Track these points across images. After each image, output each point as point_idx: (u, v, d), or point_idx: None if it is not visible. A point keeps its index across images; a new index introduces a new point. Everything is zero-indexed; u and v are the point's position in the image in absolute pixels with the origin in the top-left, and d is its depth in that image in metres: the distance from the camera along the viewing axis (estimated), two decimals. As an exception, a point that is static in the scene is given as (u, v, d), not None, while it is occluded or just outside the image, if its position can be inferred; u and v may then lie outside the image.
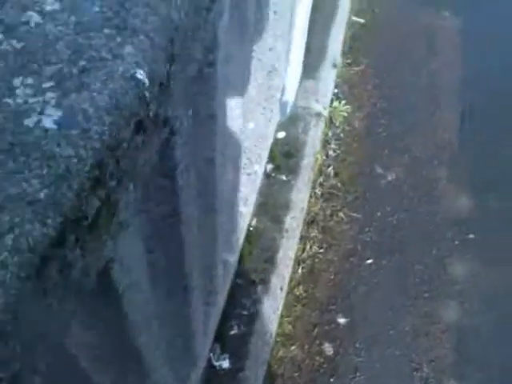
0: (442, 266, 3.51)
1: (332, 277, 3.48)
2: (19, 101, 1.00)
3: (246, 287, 3.16)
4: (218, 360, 2.94)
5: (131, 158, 1.14)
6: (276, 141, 3.37)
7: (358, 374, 3.17)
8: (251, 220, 3.27)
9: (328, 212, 3.55)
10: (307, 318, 3.38)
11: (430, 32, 4.25)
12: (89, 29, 1.10)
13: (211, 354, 2.93)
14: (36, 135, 0.96)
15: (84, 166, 0.97)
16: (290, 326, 3.32)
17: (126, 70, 1.06)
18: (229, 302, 3.09)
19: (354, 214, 3.56)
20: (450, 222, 3.57)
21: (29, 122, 0.97)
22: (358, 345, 3.29)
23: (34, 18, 1.10)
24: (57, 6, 1.12)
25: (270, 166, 3.38)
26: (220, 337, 3.01)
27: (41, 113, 0.99)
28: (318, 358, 3.27)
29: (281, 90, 3.10)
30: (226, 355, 2.96)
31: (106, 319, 1.45)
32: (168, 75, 1.21)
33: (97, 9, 1.13)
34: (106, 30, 1.10)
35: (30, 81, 1.02)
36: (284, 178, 3.36)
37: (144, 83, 1.08)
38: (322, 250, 3.47)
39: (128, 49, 1.08)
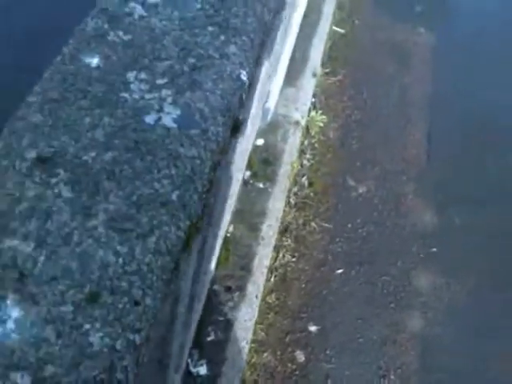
0: (408, 278, 3.60)
1: (303, 285, 3.50)
2: (136, 96, 0.97)
3: (223, 294, 3.14)
4: (195, 366, 2.90)
5: (222, 161, 1.13)
6: (255, 148, 3.37)
7: (328, 381, 3.21)
8: (228, 226, 3.26)
9: (301, 221, 3.58)
10: (279, 326, 3.39)
11: (406, 47, 4.37)
12: (193, 25, 1.08)
13: (189, 360, 2.90)
14: (158, 133, 0.94)
15: (204, 168, 0.95)
16: (262, 333, 3.32)
17: (232, 71, 1.05)
18: (206, 307, 3.07)
19: (326, 225, 3.60)
20: (416, 236, 3.67)
21: (149, 119, 0.95)
22: (328, 352, 3.33)
23: (138, 9, 1.07)
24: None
25: (247, 173, 3.37)
26: (197, 343, 2.97)
27: (159, 110, 0.96)
28: (290, 364, 3.28)
29: (266, 97, 3.11)
30: (204, 361, 2.93)
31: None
32: (253, 77, 1.21)
33: (198, 5, 1.11)
34: (210, 28, 1.09)
35: (143, 76, 1.00)
36: (261, 185, 3.35)
37: (245, 84, 1.07)
38: (294, 259, 3.49)
39: (232, 48, 1.07)
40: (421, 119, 3.99)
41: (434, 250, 3.68)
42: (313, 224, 3.72)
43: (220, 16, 1.08)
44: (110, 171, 0.87)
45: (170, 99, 0.96)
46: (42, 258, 0.81)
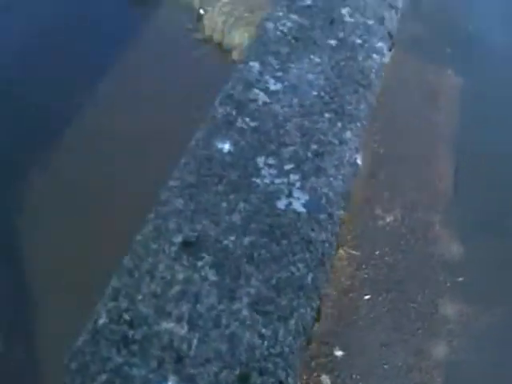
0: (434, 306, 3.65)
1: (330, 311, 3.56)
2: (266, 181, 1.05)
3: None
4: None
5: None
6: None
7: (355, 406, 3.26)
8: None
9: (330, 248, 3.63)
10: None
11: (434, 87, 4.45)
12: (312, 112, 1.16)
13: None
14: (290, 217, 1.02)
15: (332, 250, 1.03)
16: (290, 358, 3.36)
17: (350, 156, 1.13)
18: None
19: (354, 252, 3.67)
20: (443, 265, 3.72)
21: (280, 204, 1.03)
22: (354, 376, 3.38)
23: (261, 96, 1.15)
24: (279, 87, 1.18)
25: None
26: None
27: (289, 195, 1.04)
28: (316, 389, 3.33)
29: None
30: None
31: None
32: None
33: (315, 92, 1.19)
34: (327, 115, 1.17)
35: (271, 161, 1.07)
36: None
37: (359, 168, 1.16)
38: (322, 284, 3.54)
39: (348, 134, 1.15)
40: (448, 154, 4.06)
41: (461, 279, 3.73)
42: (340, 251, 3.77)
43: (335, 103, 1.16)
44: (249, 255, 0.95)
45: (297, 184, 1.03)
46: (195, 341, 0.88)
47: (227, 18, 3.77)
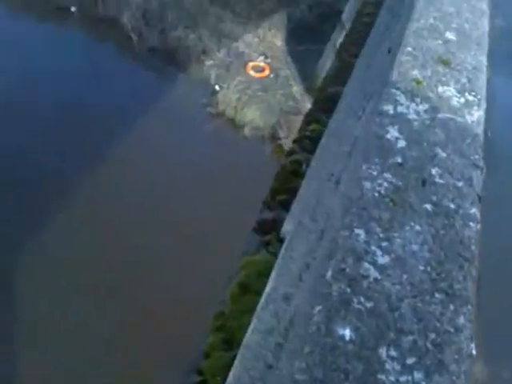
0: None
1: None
2: (391, 378, 0.96)
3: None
4: None
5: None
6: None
7: None
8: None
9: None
10: None
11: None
12: (422, 292, 1.09)
13: None
14: None
15: None
16: None
17: (467, 346, 1.05)
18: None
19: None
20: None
21: None
22: None
23: (372, 272, 1.07)
24: (387, 259, 1.10)
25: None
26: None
27: None
28: None
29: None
30: None
31: None
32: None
33: (421, 267, 1.12)
34: (438, 295, 1.09)
35: (393, 353, 0.99)
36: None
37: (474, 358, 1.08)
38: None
39: (461, 320, 1.08)
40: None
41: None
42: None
43: (443, 280, 1.09)
44: None
45: (423, 386, 0.95)
46: None
47: (241, 96, 3.78)
